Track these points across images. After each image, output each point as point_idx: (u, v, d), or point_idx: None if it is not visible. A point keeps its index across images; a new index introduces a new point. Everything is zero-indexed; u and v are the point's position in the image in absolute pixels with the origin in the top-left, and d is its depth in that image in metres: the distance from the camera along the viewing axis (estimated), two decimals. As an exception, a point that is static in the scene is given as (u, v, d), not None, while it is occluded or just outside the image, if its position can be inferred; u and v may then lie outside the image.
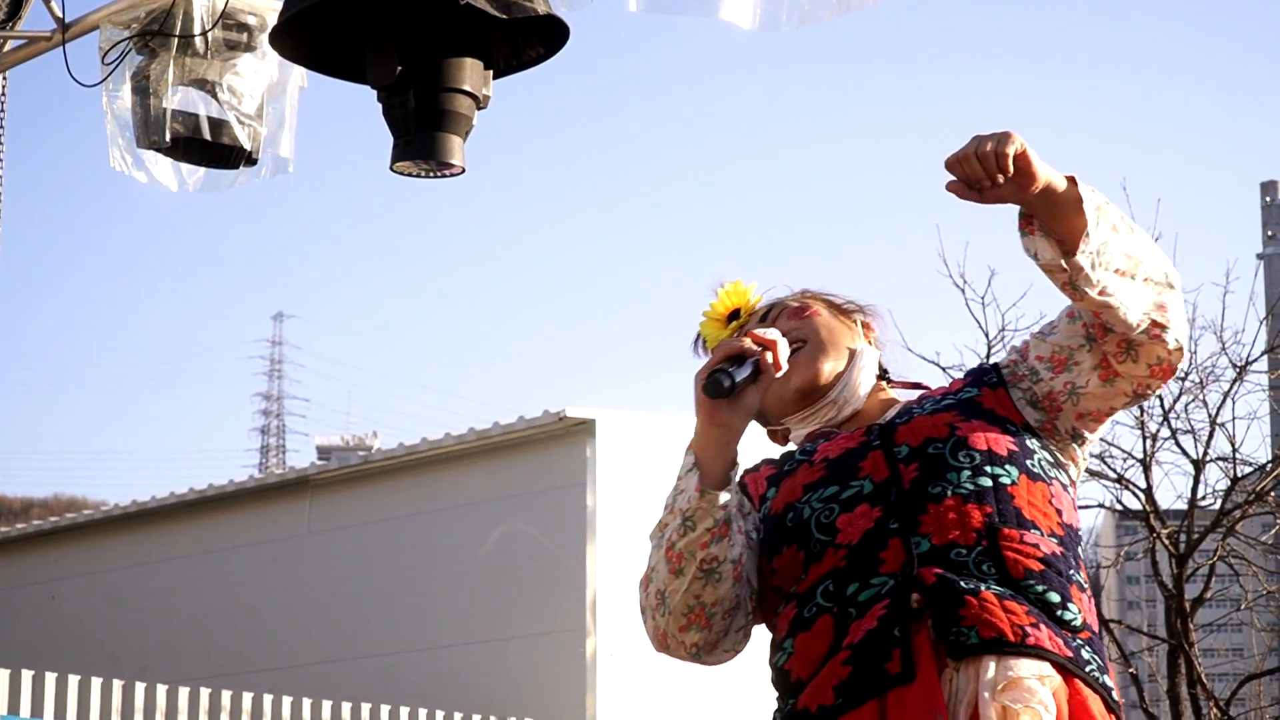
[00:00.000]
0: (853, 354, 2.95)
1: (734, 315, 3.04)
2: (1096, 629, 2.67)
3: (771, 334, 2.70)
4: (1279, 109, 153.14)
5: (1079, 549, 2.75)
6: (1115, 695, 2.63)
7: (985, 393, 2.84)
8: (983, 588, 2.55)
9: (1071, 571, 2.66)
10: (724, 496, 2.62)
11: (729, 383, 2.60)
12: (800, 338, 2.92)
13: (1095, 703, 2.56)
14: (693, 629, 2.66)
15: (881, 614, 2.54)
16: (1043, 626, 2.54)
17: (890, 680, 2.48)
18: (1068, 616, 2.60)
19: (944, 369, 14.50)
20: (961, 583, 2.54)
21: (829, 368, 2.91)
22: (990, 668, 2.50)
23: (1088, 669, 2.58)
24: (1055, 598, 2.59)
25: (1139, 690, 14.96)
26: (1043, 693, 2.49)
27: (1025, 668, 2.50)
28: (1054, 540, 2.67)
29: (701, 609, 2.65)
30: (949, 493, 2.64)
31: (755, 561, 2.72)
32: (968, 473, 2.67)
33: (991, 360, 2.92)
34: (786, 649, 2.64)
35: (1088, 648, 2.61)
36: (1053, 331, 2.81)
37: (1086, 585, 2.70)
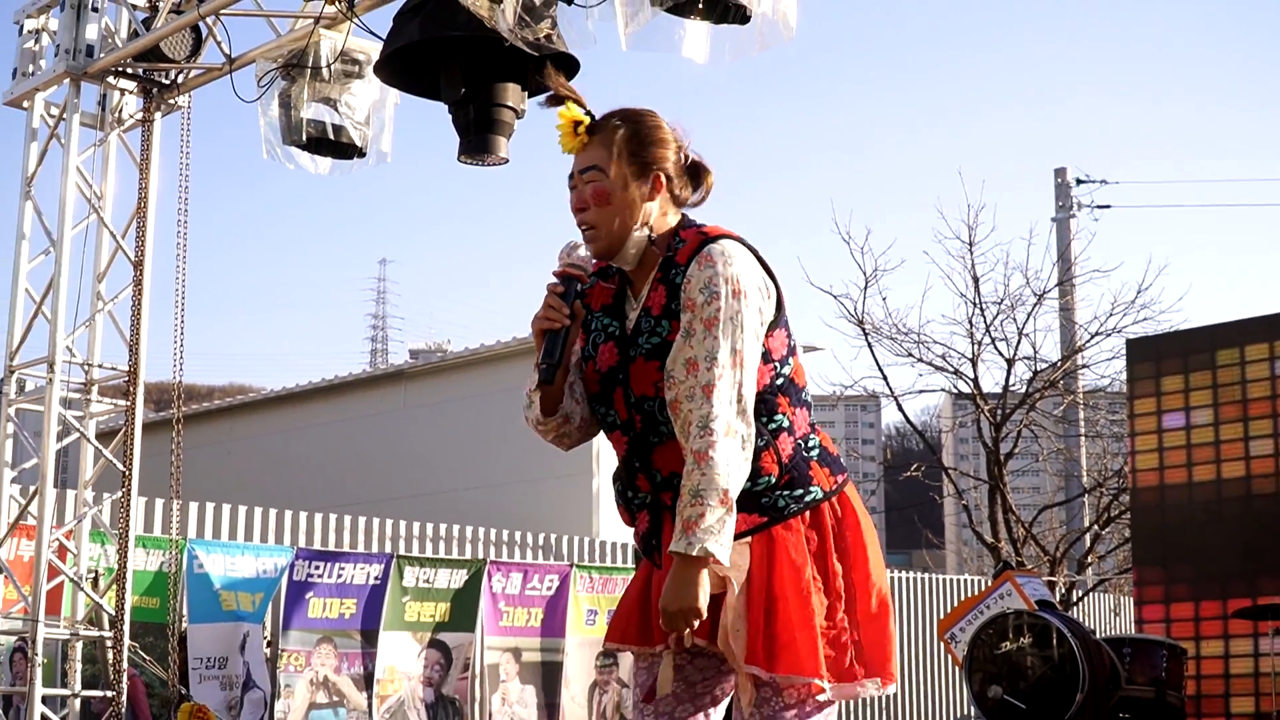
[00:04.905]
0: (627, 234, 2.60)
1: (579, 126, 2.64)
2: (789, 456, 2.57)
3: (563, 311, 2.57)
4: (1073, 108, 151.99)
5: (779, 396, 2.59)
6: (824, 486, 2.59)
7: (673, 327, 2.54)
8: None
9: (758, 442, 2.54)
10: (555, 420, 2.69)
11: (554, 370, 2.59)
12: (591, 225, 2.60)
13: (792, 528, 2.55)
14: (562, 444, 2.77)
15: (646, 523, 2.66)
16: (738, 514, 2.49)
17: (655, 561, 2.64)
18: (759, 487, 2.54)
19: (836, 297, 14.50)
20: None
21: (605, 250, 2.61)
22: None
23: (785, 509, 2.55)
24: (747, 484, 2.51)
25: (969, 515, 15.06)
26: (738, 553, 2.50)
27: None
28: None
29: (565, 439, 2.75)
30: (663, 440, 2.57)
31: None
32: (671, 423, 2.53)
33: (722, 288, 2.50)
34: (616, 501, 2.76)
35: (781, 488, 2.56)
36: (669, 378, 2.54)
37: (781, 429, 2.58)
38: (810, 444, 2.62)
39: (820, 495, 2.58)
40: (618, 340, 2.63)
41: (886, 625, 2.58)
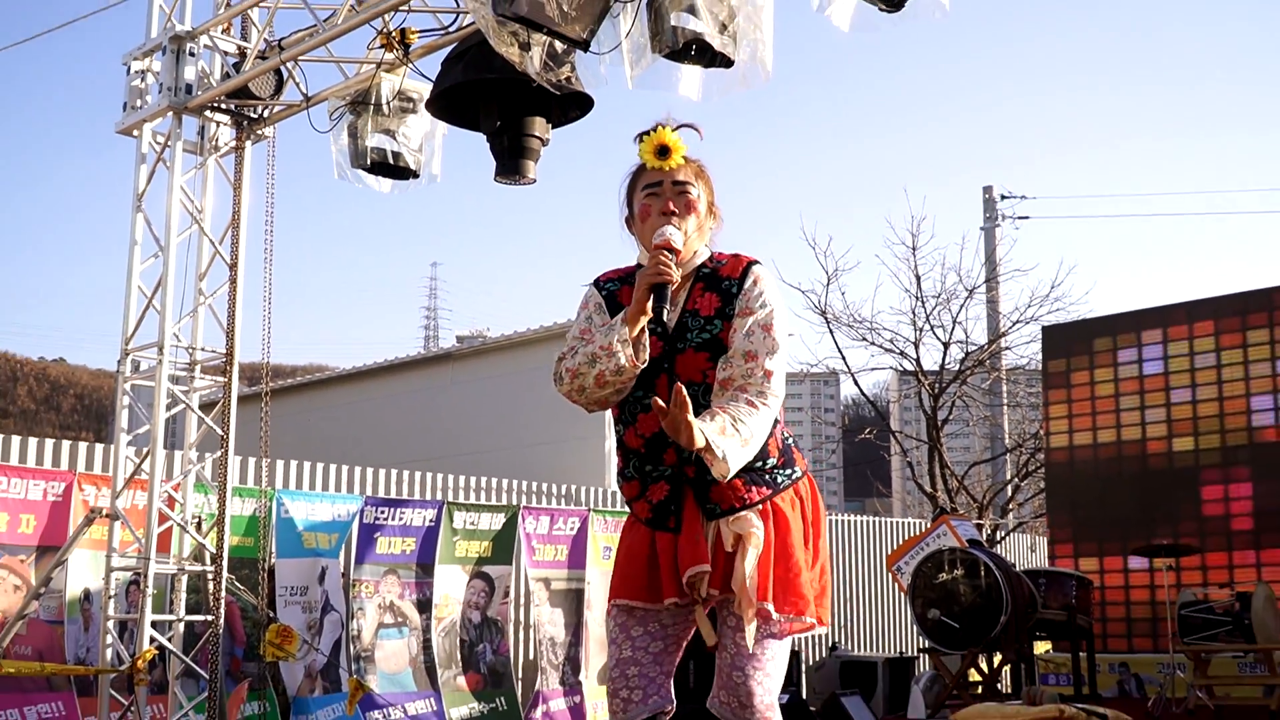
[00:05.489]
0: (699, 242, 2.66)
1: (663, 150, 2.63)
2: (782, 442, 2.63)
3: (674, 269, 2.51)
4: (999, 132, 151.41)
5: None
6: (801, 467, 2.66)
7: (725, 327, 2.56)
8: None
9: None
10: (639, 369, 2.52)
11: (665, 313, 2.50)
12: (680, 227, 2.62)
13: (785, 500, 2.60)
14: (594, 407, 2.60)
15: (665, 492, 2.60)
16: (753, 488, 2.57)
17: (669, 529, 2.60)
18: (767, 466, 2.59)
19: (803, 292, 14.46)
20: (708, 476, 2.52)
21: (685, 248, 2.62)
22: (726, 520, 2.56)
23: (781, 484, 2.61)
24: (758, 464, 2.56)
25: (912, 470, 15.00)
26: (754, 518, 2.55)
27: (744, 513, 2.56)
28: None
29: (605, 401, 2.58)
30: None
31: None
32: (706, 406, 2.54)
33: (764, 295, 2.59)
34: (624, 474, 2.68)
35: (779, 468, 2.62)
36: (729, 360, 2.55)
37: (776, 421, 2.59)
38: (787, 435, 2.70)
39: (799, 474, 2.68)
40: (660, 335, 2.61)
41: (827, 586, 2.71)
